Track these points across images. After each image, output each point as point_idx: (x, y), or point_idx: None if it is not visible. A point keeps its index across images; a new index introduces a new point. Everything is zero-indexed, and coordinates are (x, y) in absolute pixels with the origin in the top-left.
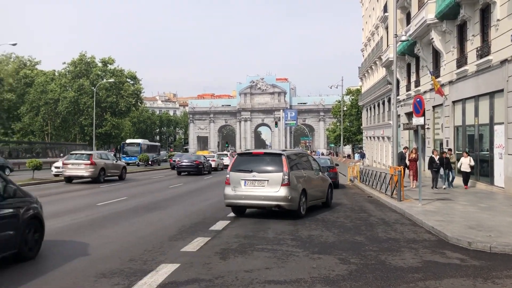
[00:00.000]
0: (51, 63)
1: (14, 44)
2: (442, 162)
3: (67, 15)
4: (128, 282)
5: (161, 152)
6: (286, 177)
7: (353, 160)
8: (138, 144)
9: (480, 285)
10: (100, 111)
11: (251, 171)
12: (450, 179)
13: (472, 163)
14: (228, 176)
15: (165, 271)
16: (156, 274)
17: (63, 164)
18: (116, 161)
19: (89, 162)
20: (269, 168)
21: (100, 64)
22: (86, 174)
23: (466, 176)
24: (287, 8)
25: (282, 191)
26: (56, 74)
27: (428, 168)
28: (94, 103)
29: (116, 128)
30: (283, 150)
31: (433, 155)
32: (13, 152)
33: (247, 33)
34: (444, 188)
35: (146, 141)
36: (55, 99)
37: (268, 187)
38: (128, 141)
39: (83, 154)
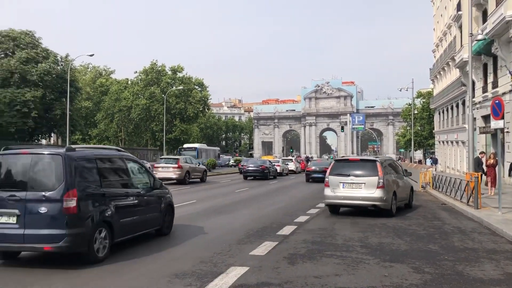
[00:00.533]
0: (124, 71)
1: (91, 55)
2: None
3: (138, 26)
4: (200, 284)
5: (225, 157)
6: (381, 180)
7: (425, 166)
8: (195, 149)
9: None
10: (170, 117)
11: (349, 175)
12: None
13: None
14: (327, 179)
15: (234, 273)
16: (226, 277)
17: (154, 167)
18: (199, 165)
19: (176, 165)
20: (365, 172)
21: (169, 72)
22: (174, 176)
23: None
24: (354, 11)
25: (378, 193)
26: (129, 82)
27: (510, 175)
28: (165, 110)
29: (184, 134)
30: (376, 157)
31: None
32: None
33: (312, 37)
34: None
35: (204, 146)
36: (128, 106)
37: (364, 189)
38: (185, 145)
39: (171, 158)
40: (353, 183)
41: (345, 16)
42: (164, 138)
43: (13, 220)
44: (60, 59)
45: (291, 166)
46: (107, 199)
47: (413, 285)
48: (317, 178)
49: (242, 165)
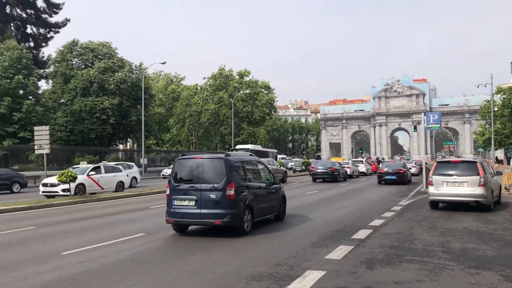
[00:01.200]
0: (194, 78)
1: (163, 63)
2: None
3: (205, 31)
4: (277, 286)
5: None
6: (483, 179)
7: (508, 166)
8: (248, 150)
9: None
10: (237, 120)
11: (452, 175)
12: None
13: None
14: (431, 179)
15: (312, 277)
16: (303, 280)
17: None
18: (280, 166)
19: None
20: (467, 172)
21: (237, 77)
22: None
23: None
24: (425, 7)
25: (480, 190)
26: (198, 88)
27: None
28: (233, 113)
29: (252, 136)
30: (475, 159)
31: None
32: (163, 160)
33: (380, 35)
34: None
35: (258, 147)
36: (198, 111)
37: (467, 187)
38: (238, 146)
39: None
40: (456, 181)
41: (414, 11)
42: (232, 141)
43: (192, 203)
44: (134, 67)
45: (362, 168)
46: (250, 190)
47: None
48: (389, 180)
49: (311, 167)
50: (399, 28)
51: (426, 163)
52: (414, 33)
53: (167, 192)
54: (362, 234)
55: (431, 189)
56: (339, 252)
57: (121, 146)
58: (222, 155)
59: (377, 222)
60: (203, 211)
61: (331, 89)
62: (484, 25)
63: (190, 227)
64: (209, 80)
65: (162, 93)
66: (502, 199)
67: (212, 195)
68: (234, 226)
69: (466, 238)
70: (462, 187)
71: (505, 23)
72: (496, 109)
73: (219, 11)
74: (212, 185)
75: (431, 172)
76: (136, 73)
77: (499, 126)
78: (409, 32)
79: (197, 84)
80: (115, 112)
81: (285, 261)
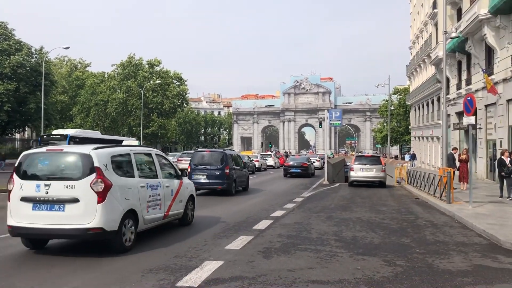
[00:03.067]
0: (101, 65)
1: (67, 48)
2: None
3: (114, 17)
4: (173, 278)
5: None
6: (384, 167)
7: (400, 161)
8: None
9: None
10: (147, 111)
11: (365, 164)
12: None
13: None
14: (352, 166)
15: (209, 268)
16: (200, 271)
17: (178, 160)
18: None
19: None
20: (375, 162)
21: (147, 66)
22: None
23: None
24: (333, 8)
25: (382, 174)
26: (106, 76)
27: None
28: (142, 104)
29: (162, 129)
30: (378, 154)
31: (503, 157)
32: None
33: (291, 34)
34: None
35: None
36: (104, 100)
37: (375, 172)
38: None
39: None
40: (368, 168)
41: (324, 13)
42: (141, 133)
43: (204, 177)
44: (34, 51)
45: (270, 161)
46: (236, 171)
47: (384, 277)
48: (294, 173)
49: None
50: (311, 28)
51: (329, 157)
52: (324, 34)
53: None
54: (263, 224)
55: (352, 173)
56: (239, 242)
57: (18, 135)
58: (221, 150)
59: (278, 213)
60: (211, 181)
61: (244, 84)
62: (386, 29)
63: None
64: (118, 68)
65: (65, 80)
66: (394, 191)
67: (216, 173)
68: (228, 190)
69: (357, 227)
70: (371, 171)
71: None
72: (393, 108)
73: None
74: (216, 166)
75: (352, 162)
76: (36, 57)
77: (395, 124)
78: (319, 32)
79: (104, 72)
80: (10, 98)
81: (184, 253)
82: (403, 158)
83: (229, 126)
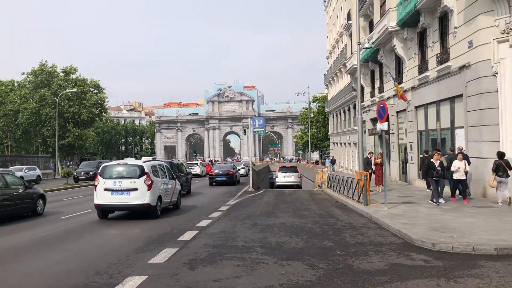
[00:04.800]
0: (10, 73)
1: None
2: (443, 167)
3: (25, 22)
4: None
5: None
6: (300, 174)
7: (321, 166)
8: None
9: (443, 285)
10: (62, 121)
11: (287, 172)
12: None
13: (468, 168)
14: (277, 174)
15: (132, 283)
16: (123, 287)
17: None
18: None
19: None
20: (293, 171)
21: (62, 74)
22: None
23: (457, 185)
24: (255, 18)
25: (299, 179)
26: (16, 84)
27: (424, 177)
28: (57, 114)
29: (79, 139)
30: (295, 163)
31: (432, 160)
32: None
33: (214, 42)
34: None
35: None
36: (15, 110)
37: (293, 178)
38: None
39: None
40: (288, 175)
41: (246, 23)
42: (56, 144)
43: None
44: None
45: (196, 170)
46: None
47: (308, 281)
48: (220, 181)
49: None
50: (234, 37)
51: (254, 164)
52: (246, 43)
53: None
54: (188, 235)
55: (277, 180)
56: (163, 255)
57: None
58: (170, 160)
59: (204, 223)
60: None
61: (167, 92)
62: (306, 40)
63: None
64: (29, 76)
65: None
66: (315, 195)
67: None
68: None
69: (282, 233)
70: (291, 177)
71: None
72: (312, 115)
73: (36, 5)
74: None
75: (276, 170)
76: None
77: (315, 130)
78: (242, 42)
79: (13, 80)
80: None
81: (105, 270)
82: (323, 163)
83: (152, 135)
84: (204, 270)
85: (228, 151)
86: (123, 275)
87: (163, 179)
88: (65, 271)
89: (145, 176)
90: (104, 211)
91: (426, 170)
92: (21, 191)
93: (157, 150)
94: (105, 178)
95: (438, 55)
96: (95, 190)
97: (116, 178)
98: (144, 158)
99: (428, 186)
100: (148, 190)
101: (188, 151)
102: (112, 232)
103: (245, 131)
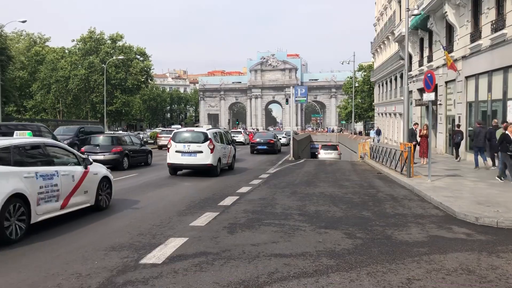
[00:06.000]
0: (61, 39)
1: (24, 21)
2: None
3: None
4: (137, 255)
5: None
6: (339, 151)
7: (364, 137)
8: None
9: (484, 259)
10: (110, 88)
11: (328, 149)
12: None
13: None
14: (320, 151)
15: (173, 244)
16: (164, 248)
17: (158, 136)
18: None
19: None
20: (333, 149)
21: (109, 41)
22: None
23: None
24: None
25: (338, 156)
26: (66, 51)
27: (497, 151)
28: (105, 80)
29: (126, 106)
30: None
31: (507, 132)
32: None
33: (257, 9)
34: None
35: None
36: (65, 76)
37: (333, 154)
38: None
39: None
40: (329, 152)
41: None
42: (105, 110)
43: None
44: None
45: (240, 138)
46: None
47: (345, 249)
48: (261, 150)
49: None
50: (278, 3)
51: (296, 133)
52: (289, 10)
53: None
54: (228, 201)
55: (319, 156)
56: (204, 219)
57: None
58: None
59: (244, 189)
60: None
61: (210, 60)
62: (352, 6)
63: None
64: (78, 43)
65: (23, 56)
66: (357, 166)
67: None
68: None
69: (321, 202)
70: (331, 154)
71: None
72: (357, 85)
73: None
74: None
75: (319, 147)
76: None
77: (360, 100)
78: (287, 9)
79: (64, 47)
80: None
81: (148, 231)
82: (367, 134)
83: (196, 103)
84: (242, 234)
85: (270, 120)
86: (165, 236)
87: (222, 144)
88: (111, 231)
89: (208, 141)
90: (175, 169)
91: (500, 143)
92: (139, 148)
93: (201, 118)
94: (176, 142)
95: (493, 22)
96: (168, 152)
97: (185, 142)
98: (205, 126)
99: (494, 163)
100: (211, 153)
101: (231, 119)
102: (156, 195)
103: (287, 100)
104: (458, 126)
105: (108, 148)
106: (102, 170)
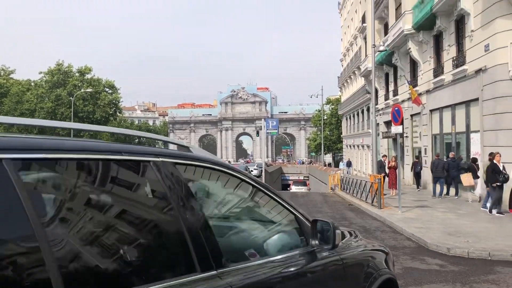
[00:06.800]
0: (27, 73)
1: None
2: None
3: (41, 23)
4: None
5: None
6: (308, 187)
7: (334, 169)
8: None
9: None
10: (77, 121)
11: (298, 185)
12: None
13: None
14: (291, 186)
15: None
16: None
17: None
18: None
19: None
20: (303, 185)
21: (77, 74)
22: None
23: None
24: (268, 20)
25: (308, 190)
26: (32, 84)
27: (487, 183)
28: (72, 113)
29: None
30: (304, 179)
31: (495, 161)
32: None
33: (228, 44)
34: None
35: None
36: (31, 109)
37: (304, 190)
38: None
39: None
40: (300, 188)
41: (260, 25)
42: None
43: None
44: None
45: None
46: None
47: None
48: None
49: None
50: (249, 38)
51: (268, 165)
52: (261, 45)
53: None
54: None
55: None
56: None
57: None
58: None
59: None
60: None
61: (180, 93)
62: (319, 42)
63: None
64: (45, 75)
65: None
66: (328, 198)
67: None
68: None
69: None
70: (302, 190)
71: (335, 42)
72: (325, 117)
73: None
74: None
75: (291, 184)
76: None
77: (328, 133)
78: (257, 44)
79: (30, 79)
80: None
81: None
82: (336, 166)
83: (165, 135)
84: None
85: (241, 152)
86: None
87: None
88: None
89: None
90: None
91: (489, 173)
92: None
93: None
94: None
95: (454, 58)
96: None
97: None
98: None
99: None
100: None
101: None
102: None
103: (258, 132)
104: (417, 157)
105: None
106: None
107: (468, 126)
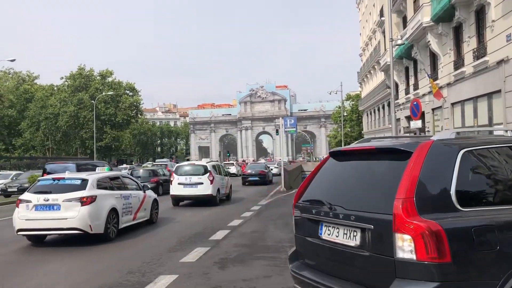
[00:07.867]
0: (50, 77)
1: (13, 60)
2: None
3: (64, 27)
4: None
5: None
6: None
7: None
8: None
9: None
10: (100, 124)
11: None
12: None
13: None
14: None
15: (163, 282)
16: (154, 286)
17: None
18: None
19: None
20: None
21: (98, 77)
22: None
23: None
24: (286, 17)
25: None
26: (55, 88)
27: None
28: (94, 116)
29: (116, 141)
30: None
31: None
32: (14, 168)
33: (245, 42)
34: None
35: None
36: (55, 113)
37: None
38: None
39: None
40: None
41: (276, 22)
42: (94, 146)
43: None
44: None
45: (233, 169)
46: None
47: None
48: (253, 181)
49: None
50: (266, 37)
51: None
52: (279, 42)
53: None
54: (220, 235)
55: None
56: (195, 254)
57: None
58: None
59: (235, 222)
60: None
61: (200, 93)
62: (338, 37)
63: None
64: (68, 80)
65: (12, 94)
66: None
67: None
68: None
69: None
70: None
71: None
72: (346, 114)
73: (80, 3)
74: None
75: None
76: None
77: (349, 129)
78: (275, 42)
79: (53, 84)
80: None
81: (137, 268)
82: None
83: (186, 136)
84: (234, 269)
85: (261, 151)
86: (155, 274)
87: (220, 176)
88: (101, 269)
89: (208, 173)
90: (177, 200)
91: None
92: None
93: (192, 151)
94: (178, 175)
95: (475, 50)
96: (171, 184)
97: (186, 175)
98: (204, 160)
99: None
100: (211, 184)
101: (222, 151)
102: (145, 232)
103: (277, 131)
104: None
105: (148, 178)
106: (153, 194)
107: (490, 118)
